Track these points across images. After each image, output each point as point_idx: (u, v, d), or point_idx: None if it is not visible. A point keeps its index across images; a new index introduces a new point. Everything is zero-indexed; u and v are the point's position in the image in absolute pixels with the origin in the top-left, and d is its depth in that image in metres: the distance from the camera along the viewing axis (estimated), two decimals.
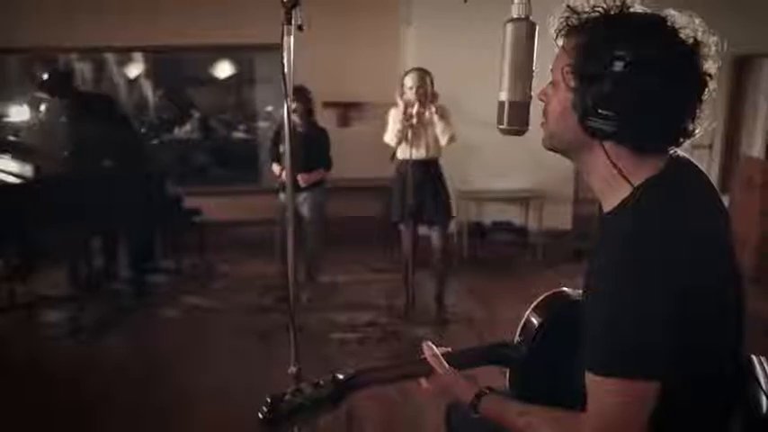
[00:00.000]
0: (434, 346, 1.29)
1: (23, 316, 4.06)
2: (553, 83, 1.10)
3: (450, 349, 1.33)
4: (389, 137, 3.75)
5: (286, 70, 1.39)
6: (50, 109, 4.42)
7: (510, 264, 5.12)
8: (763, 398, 1.13)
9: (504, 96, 1.18)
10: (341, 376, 1.18)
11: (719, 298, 1.03)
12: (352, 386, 1.20)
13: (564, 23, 1.07)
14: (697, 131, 1.06)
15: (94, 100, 4.50)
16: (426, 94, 3.60)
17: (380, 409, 2.79)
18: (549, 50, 1.15)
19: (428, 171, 3.78)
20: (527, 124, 1.20)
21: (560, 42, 1.09)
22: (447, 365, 1.26)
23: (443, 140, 3.68)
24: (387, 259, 5.03)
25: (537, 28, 1.16)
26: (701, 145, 5.73)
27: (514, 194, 5.24)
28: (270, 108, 6.91)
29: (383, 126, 3.84)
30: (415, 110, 3.55)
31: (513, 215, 5.33)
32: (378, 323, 3.85)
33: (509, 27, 1.16)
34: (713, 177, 5.91)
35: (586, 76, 1.02)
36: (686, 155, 1.16)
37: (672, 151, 1.09)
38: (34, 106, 5.92)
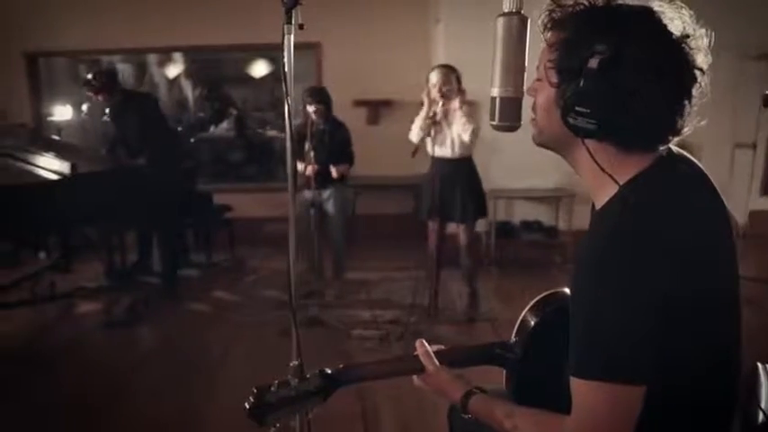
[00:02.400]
0: (427, 344, 1.29)
1: (63, 306, 4.24)
2: (539, 78, 1.08)
3: (443, 347, 1.32)
4: (413, 134, 3.75)
5: (287, 69, 1.40)
6: (93, 108, 4.58)
7: (539, 264, 5.04)
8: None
9: (495, 92, 1.16)
10: (328, 370, 1.20)
11: (710, 300, 1.00)
12: (341, 380, 1.21)
13: (548, 17, 1.05)
14: (686, 129, 1.03)
15: (137, 98, 4.63)
16: (451, 91, 3.57)
17: (396, 408, 2.81)
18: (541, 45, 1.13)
19: (458, 169, 3.76)
20: (519, 120, 1.18)
21: (546, 37, 1.08)
22: (438, 363, 1.26)
23: (465, 136, 3.64)
24: (415, 257, 5.03)
25: (529, 22, 1.14)
26: (744, 144, 5.52)
27: (544, 193, 5.15)
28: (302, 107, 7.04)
29: (412, 124, 3.84)
30: (439, 107, 3.53)
31: (543, 215, 5.24)
32: (400, 321, 3.85)
33: (500, 21, 1.14)
34: (756, 177, 5.69)
35: (565, 72, 1.00)
36: (683, 151, 1.12)
37: (664, 148, 1.05)
38: (77, 106, 6.17)
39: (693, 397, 1.02)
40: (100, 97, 4.29)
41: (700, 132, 1.07)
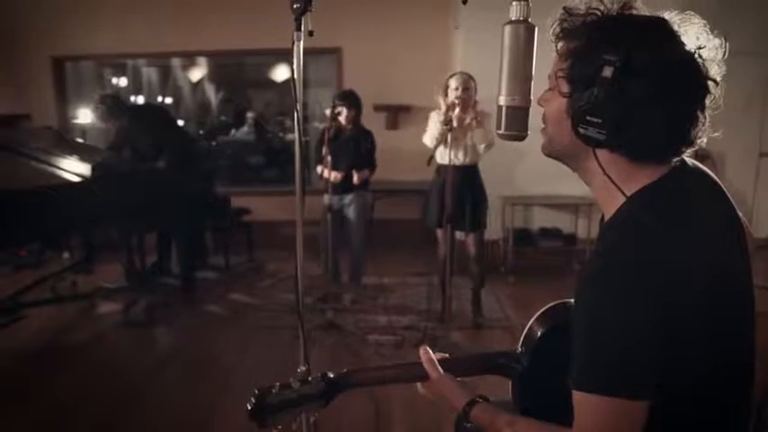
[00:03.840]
0: (431, 351, 1.29)
1: (83, 306, 4.32)
2: (550, 88, 1.08)
3: (447, 355, 1.32)
4: (428, 139, 3.73)
5: (296, 76, 1.41)
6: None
7: (557, 272, 4.99)
8: None
9: (501, 101, 1.16)
10: (331, 375, 1.20)
11: (718, 315, 0.97)
12: (343, 385, 1.21)
13: (560, 27, 1.05)
14: (699, 140, 1.01)
15: (146, 111, 4.75)
16: (469, 97, 3.58)
17: (408, 411, 2.80)
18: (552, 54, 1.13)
19: (467, 177, 3.75)
20: (526, 129, 1.17)
21: (557, 47, 1.07)
22: (441, 371, 1.25)
23: (481, 148, 3.64)
24: (432, 263, 5.01)
25: (536, 31, 1.13)
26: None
27: (563, 201, 5.10)
28: (328, 111, 7.07)
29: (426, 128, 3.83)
30: (455, 113, 3.52)
31: (562, 221, 5.19)
32: (416, 327, 3.84)
33: (507, 29, 1.14)
34: None
35: (576, 82, 0.99)
36: (698, 163, 1.10)
37: (677, 159, 1.04)
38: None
39: (701, 411, 1.00)
40: (109, 124, 4.43)
41: (723, 143, 1.06)
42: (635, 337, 0.91)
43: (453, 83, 3.61)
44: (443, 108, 3.61)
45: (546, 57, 1.13)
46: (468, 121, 3.58)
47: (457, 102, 3.53)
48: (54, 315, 4.14)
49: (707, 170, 1.10)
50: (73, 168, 3.99)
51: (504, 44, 1.15)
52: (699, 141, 1.01)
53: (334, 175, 4.04)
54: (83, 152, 4.27)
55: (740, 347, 1.04)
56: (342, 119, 4.10)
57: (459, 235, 3.90)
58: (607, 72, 0.94)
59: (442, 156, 3.68)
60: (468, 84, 3.59)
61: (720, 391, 1.01)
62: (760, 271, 1.12)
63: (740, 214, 1.08)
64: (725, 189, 1.09)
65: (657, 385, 0.92)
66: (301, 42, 1.40)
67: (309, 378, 1.18)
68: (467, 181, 3.75)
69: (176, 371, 3.39)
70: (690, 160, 1.07)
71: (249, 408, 1.12)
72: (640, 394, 0.91)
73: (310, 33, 1.40)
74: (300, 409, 1.17)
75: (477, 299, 4.00)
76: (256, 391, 1.13)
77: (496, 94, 1.17)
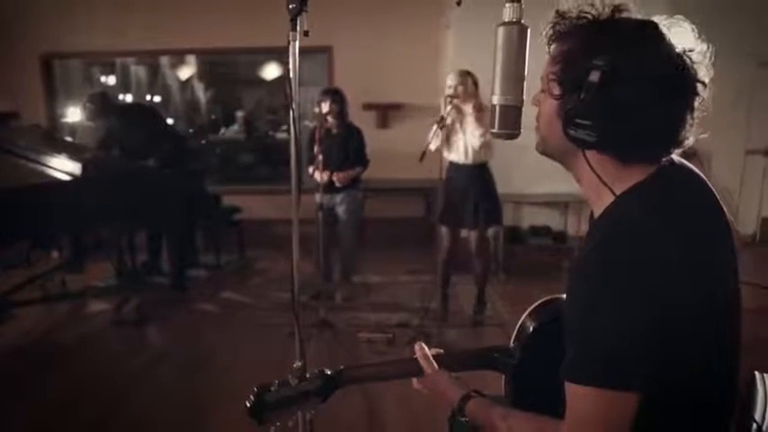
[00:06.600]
0: (426, 347, 1.30)
1: (73, 304, 4.30)
2: (543, 90, 1.10)
3: (442, 351, 1.34)
4: (430, 136, 3.74)
5: (291, 75, 1.42)
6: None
7: (547, 269, 5.03)
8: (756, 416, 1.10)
9: (495, 100, 1.18)
10: (328, 371, 1.22)
11: (706, 311, 0.99)
12: (341, 381, 1.23)
13: (552, 30, 1.07)
14: (688, 141, 1.03)
15: (135, 110, 4.74)
16: (466, 94, 3.57)
17: (403, 406, 2.82)
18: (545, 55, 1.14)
19: (471, 175, 3.75)
20: (518, 128, 1.19)
21: (550, 49, 1.09)
22: (437, 366, 1.27)
23: (475, 143, 3.64)
24: (423, 260, 5.04)
25: (529, 31, 1.15)
26: (756, 150, 5.48)
27: (553, 198, 5.14)
28: (317, 109, 7.06)
29: (422, 128, 3.83)
30: (445, 111, 3.53)
31: (552, 219, 5.24)
32: (409, 324, 3.87)
33: (500, 30, 1.15)
34: None
35: (567, 85, 1.01)
36: (685, 161, 1.12)
37: (666, 159, 1.06)
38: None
39: (690, 404, 1.02)
40: (98, 123, 4.41)
41: (710, 140, 1.07)
42: (627, 333, 0.92)
43: (449, 81, 3.63)
44: (442, 107, 3.60)
45: (539, 57, 1.15)
46: (466, 117, 3.58)
47: (447, 99, 3.54)
48: (44, 314, 4.13)
49: (694, 168, 1.12)
50: (61, 166, 3.96)
51: (497, 45, 1.16)
52: (687, 142, 1.03)
53: (322, 176, 4.03)
54: (71, 150, 4.24)
55: (727, 343, 1.06)
56: (325, 113, 4.09)
57: (463, 232, 3.92)
58: (594, 77, 0.96)
59: (448, 154, 3.73)
60: (461, 79, 3.58)
61: (708, 385, 1.03)
62: (745, 267, 1.14)
63: (726, 211, 1.11)
64: (711, 186, 1.11)
65: (649, 378, 0.94)
66: (297, 43, 1.41)
67: (307, 375, 1.19)
68: (471, 179, 3.75)
69: (168, 369, 3.39)
70: (677, 158, 1.09)
71: (248, 405, 1.13)
72: (632, 386, 0.93)
73: (305, 34, 1.41)
74: (298, 406, 1.18)
75: (480, 297, 4.01)
76: (255, 389, 1.14)
77: (489, 94, 1.19)
